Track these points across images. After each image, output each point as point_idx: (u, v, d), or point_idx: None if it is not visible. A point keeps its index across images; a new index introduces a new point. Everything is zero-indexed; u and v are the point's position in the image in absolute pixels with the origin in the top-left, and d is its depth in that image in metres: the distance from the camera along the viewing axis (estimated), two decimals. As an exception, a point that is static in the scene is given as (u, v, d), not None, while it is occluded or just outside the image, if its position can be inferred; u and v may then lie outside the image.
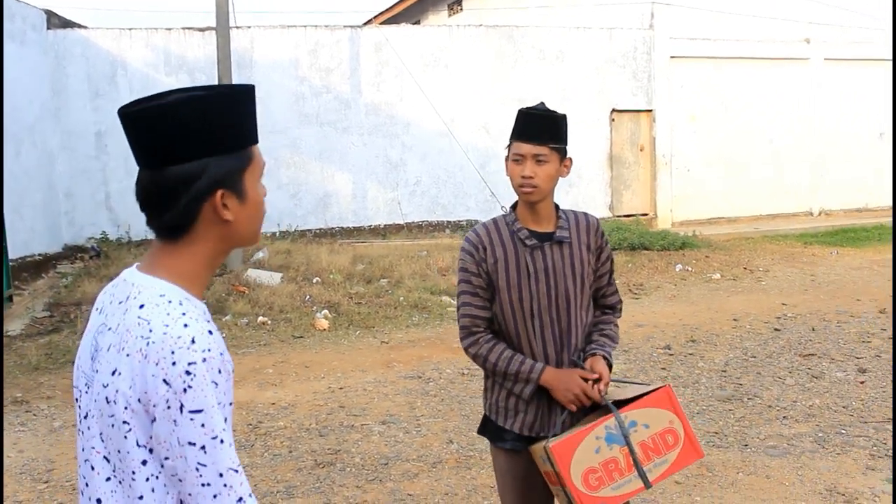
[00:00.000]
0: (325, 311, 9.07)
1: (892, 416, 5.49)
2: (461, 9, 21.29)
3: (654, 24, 15.38)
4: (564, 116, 2.69)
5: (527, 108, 2.67)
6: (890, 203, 17.23)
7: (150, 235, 1.60)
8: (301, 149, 13.91)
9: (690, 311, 9.06)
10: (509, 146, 2.68)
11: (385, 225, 14.45)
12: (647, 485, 2.58)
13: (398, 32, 14.63)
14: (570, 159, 2.71)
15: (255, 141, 1.57)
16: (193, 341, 1.41)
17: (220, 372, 1.43)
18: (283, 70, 13.79)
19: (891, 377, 6.38)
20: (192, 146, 1.47)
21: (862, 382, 6.29)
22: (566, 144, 2.69)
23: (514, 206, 2.76)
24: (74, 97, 13.05)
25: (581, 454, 2.53)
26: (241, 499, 1.43)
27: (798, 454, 4.98)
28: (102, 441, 1.49)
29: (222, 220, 1.51)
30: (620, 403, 2.65)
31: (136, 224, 12.71)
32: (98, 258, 11.76)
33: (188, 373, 1.39)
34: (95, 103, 13.10)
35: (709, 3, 15.31)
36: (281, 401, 6.29)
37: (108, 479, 1.49)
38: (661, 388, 2.68)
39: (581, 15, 15.88)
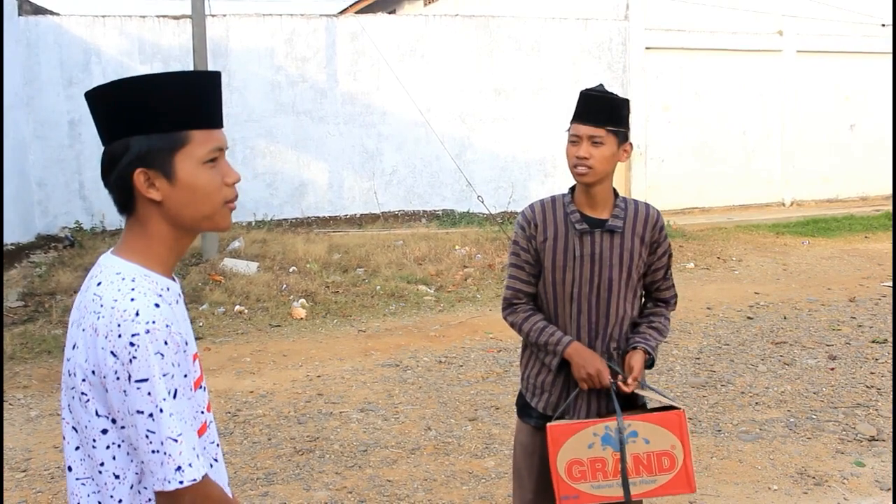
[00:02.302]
0: (302, 300, 9.08)
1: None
2: (437, -2, 21.25)
3: (630, 15, 15.44)
4: (626, 101, 2.66)
5: (586, 89, 2.64)
6: (858, 194, 17.52)
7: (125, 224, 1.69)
8: (277, 138, 13.84)
9: (665, 299, 9.13)
10: (568, 129, 2.68)
11: (361, 214, 14.42)
12: (627, 497, 2.58)
13: (374, 22, 14.58)
14: (631, 144, 2.68)
15: (201, 126, 1.58)
16: (138, 314, 1.46)
17: (166, 343, 1.47)
18: (258, 59, 13.69)
19: (860, 364, 6.51)
20: (118, 125, 1.55)
21: (832, 369, 6.41)
22: (627, 129, 2.65)
23: (572, 189, 2.75)
24: (47, 85, 12.87)
25: (573, 444, 2.56)
26: (179, 468, 1.47)
27: (770, 439, 5.08)
28: (70, 412, 1.57)
29: (148, 198, 1.56)
30: (631, 410, 2.67)
31: (111, 213, 12.59)
32: (72, 247, 11.65)
33: (132, 344, 1.45)
34: (69, 91, 12.94)
35: (683, -6, 15.42)
36: (259, 389, 6.30)
37: (77, 447, 1.57)
38: (675, 409, 2.65)
39: (557, 6, 15.90)
